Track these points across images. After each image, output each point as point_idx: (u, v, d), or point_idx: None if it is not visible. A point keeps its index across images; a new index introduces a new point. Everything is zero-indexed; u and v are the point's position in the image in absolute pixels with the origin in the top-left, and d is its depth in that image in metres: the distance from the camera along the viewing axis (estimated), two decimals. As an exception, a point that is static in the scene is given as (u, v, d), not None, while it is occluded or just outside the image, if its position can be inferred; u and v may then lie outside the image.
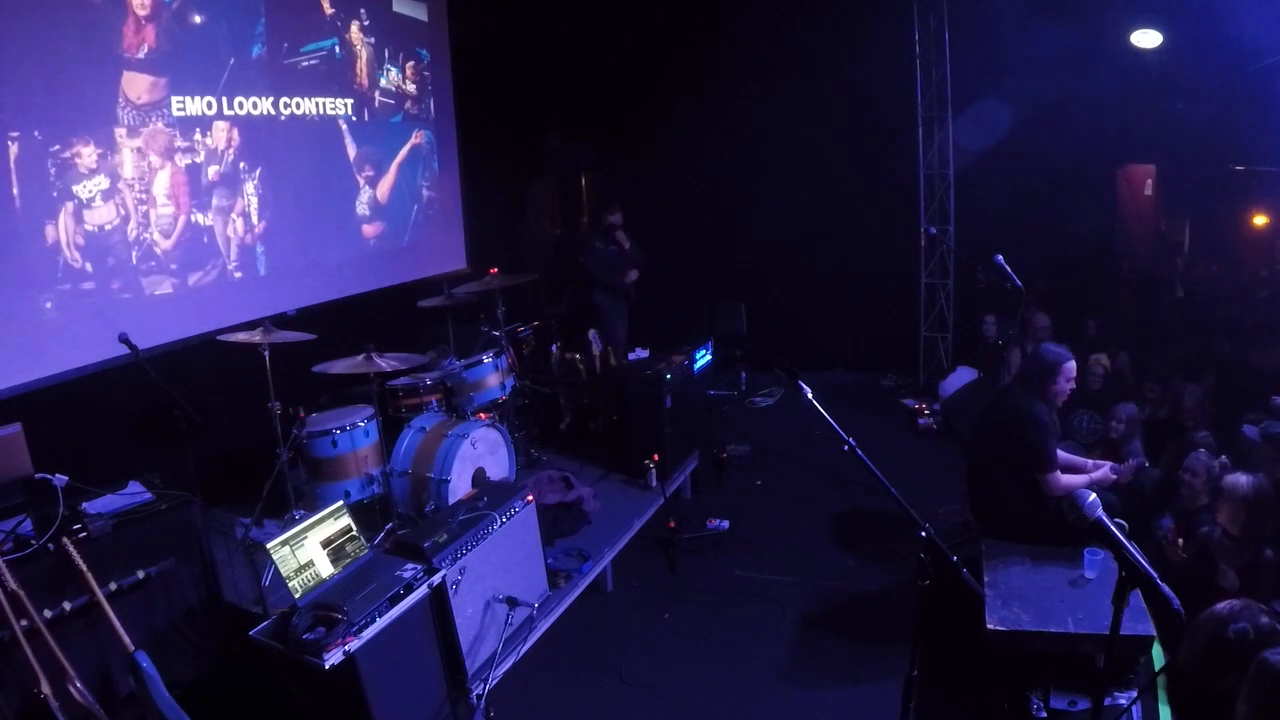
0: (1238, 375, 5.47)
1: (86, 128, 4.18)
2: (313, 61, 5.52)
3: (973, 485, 4.19)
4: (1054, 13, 6.59)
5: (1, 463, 3.17)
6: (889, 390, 7.95)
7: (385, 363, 4.31)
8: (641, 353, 6.31)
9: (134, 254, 4.49)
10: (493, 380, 5.17)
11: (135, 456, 4.22)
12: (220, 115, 4.89)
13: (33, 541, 3.05)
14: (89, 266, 4.28)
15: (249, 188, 5.15)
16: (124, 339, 3.95)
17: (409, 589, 3.18)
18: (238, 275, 5.14)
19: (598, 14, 7.77)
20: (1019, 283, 4.82)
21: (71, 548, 2.99)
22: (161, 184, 4.59)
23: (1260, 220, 6.82)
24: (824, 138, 7.80)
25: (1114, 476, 4.09)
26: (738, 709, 3.65)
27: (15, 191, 3.91)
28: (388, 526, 4.45)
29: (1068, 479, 3.85)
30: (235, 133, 4.99)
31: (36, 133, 3.97)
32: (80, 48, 4.12)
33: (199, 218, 4.85)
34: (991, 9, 6.75)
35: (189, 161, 4.73)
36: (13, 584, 2.81)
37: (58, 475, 3.20)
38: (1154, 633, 3.08)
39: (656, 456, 5.31)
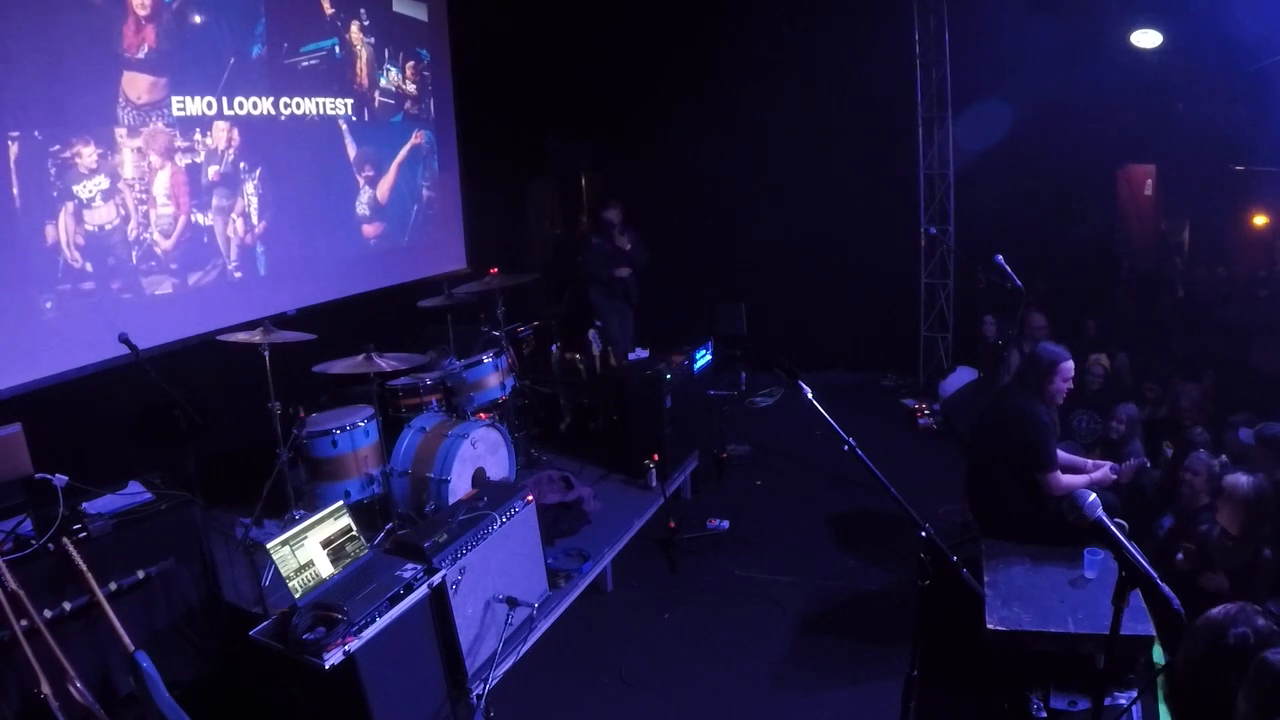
0: (1237, 375, 5.47)
1: (86, 128, 4.18)
2: (313, 61, 5.52)
3: (973, 485, 4.19)
4: (1054, 13, 6.59)
5: (1, 463, 3.17)
6: (889, 390, 7.95)
7: (385, 363, 4.31)
8: (641, 353, 6.31)
9: (134, 254, 4.49)
10: (493, 380, 5.17)
11: (135, 456, 4.22)
12: (220, 115, 4.89)
13: (33, 541, 3.05)
14: (89, 266, 4.28)
15: (249, 188, 5.15)
16: (124, 339, 3.95)
17: (409, 589, 3.18)
18: (238, 275, 5.14)
19: (598, 14, 7.77)
20: (1019, 283, 4.82)
21: (71, 548, 2.99)
22: (161, 184, 4.59)
23: (1260, 220, 6.82)
24: (824, 138, 7.80)
25: (1114, 477, 4.09)
26: (738, 709, 3.65)
27: (15, 191, 3.91)
28: (388, 526, 4.45)
29: (1068, 479, 3.85)
30: (235, 133, 4.99)
31: (36, 133, 3.97)
32: (80, 48, 4.12)
33: (199, 218, 4.85)
34: (991, 9, 6.75)
35: (189, 161, 4.73)
36: (13, 584, 2.81)
37: (58, 475, 3.20)
38: (1154, 633, 3.07)
39: (656, 456, 5.31)
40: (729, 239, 8.51)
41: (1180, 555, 3.68)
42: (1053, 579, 3.45)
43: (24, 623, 2.81)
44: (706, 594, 4.58)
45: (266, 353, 4.23)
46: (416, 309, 5.53)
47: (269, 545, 3.09)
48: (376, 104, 6.14)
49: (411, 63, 6.47)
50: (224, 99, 4.90)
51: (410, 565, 3.29)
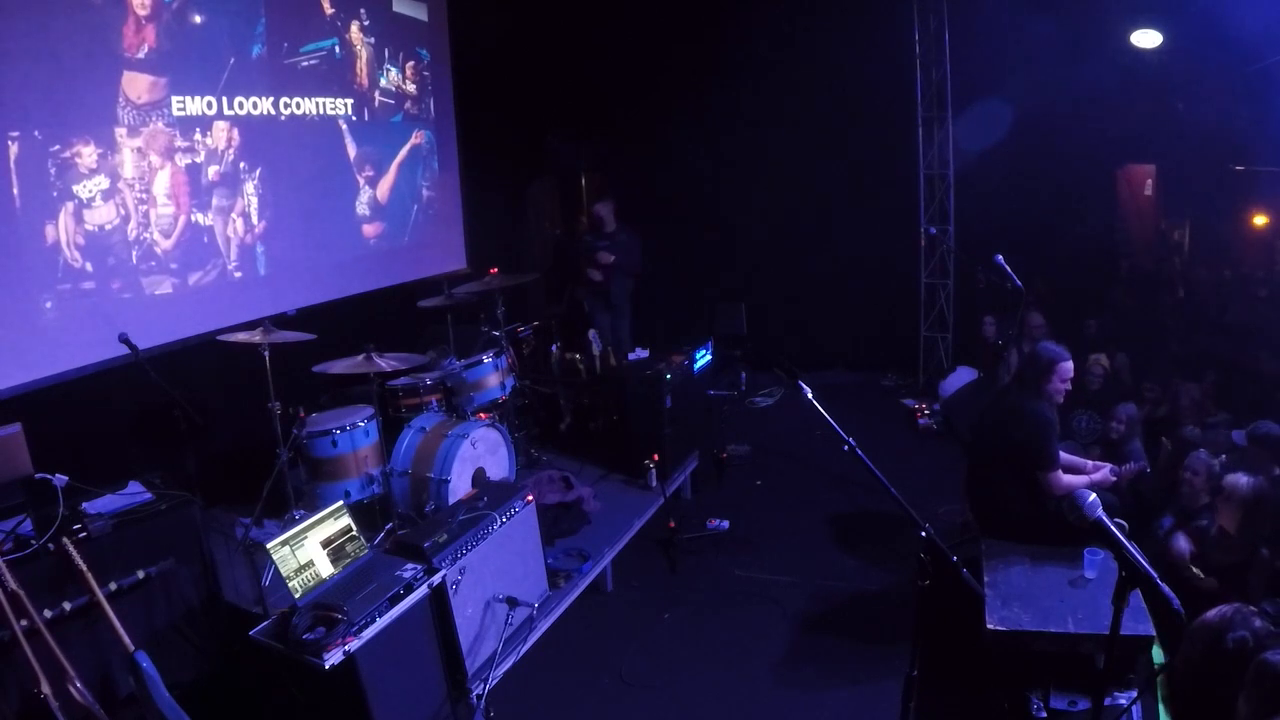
0: (1237, 375, 5.48)
1: (87, 127, 4.18)
2: (313, 61, 5.52)
3: (973, 485, 4.19)
4: (1054, 13, 6.59)
5: (1, 463, 3.17)
6: (889, 390, 7.95)
7: (385, 363, 4.31)
8: (641, 353, 6.31)
9: (134, 254, 4.49)
10: (493, 380, 5.17)
11: (135, 456, 4.22)
12: (220, 115, 4.89)
13: (33, 541, 3.05)
14: (89, 266, 4.28)
15: (249, 188, 5.15)
16: (124, 339, 3.95)
17: (409, 589, 3.18)
18: (238, 275, 5.14)
19: (598, 13, 7.76)
20: (1019, 283, 4.82)
21: (71, 548, 2.99)
22: (162, 184, 4.59)
23: (1260, 220, 6.82)
24: (824, 137, 7.80)
25: (1114, 479, 4.09)
26: (738, 709, 3.65)
27: (15, 191, 3.91)
28: (388, 526, 4.45)
29: (1068, 479, 3.85)
30: (235, 133, 4.99)
31: (36, 133, 3.97)
32: (80, 48, 4.12)
33: (199, 218, 4.85)
34: (991, 9, 6.76)
35: (189, 161, 4.73)
36: (13, 584, 2.81)
37: (58, 475, 3.20)
38: (1154, 633, 3.07)
39: (656, 456, 5.31)
40: (729, 239, 8.51)
41: (1182, 542, 3.67)
42: (1053, 579, 3.45)
43: (24, 623, 2.81)
44: (706, 594, 4.58)
45: (266, 353, 4.23)
46: (416, 309, 5.53)
47: (269, 545, 3.09)
48: (376, 104, 6.14)
49: (411, 63, 6.47)
50: (224, 99, 4.89)
51: (410, 565, 3.29)
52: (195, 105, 4.73)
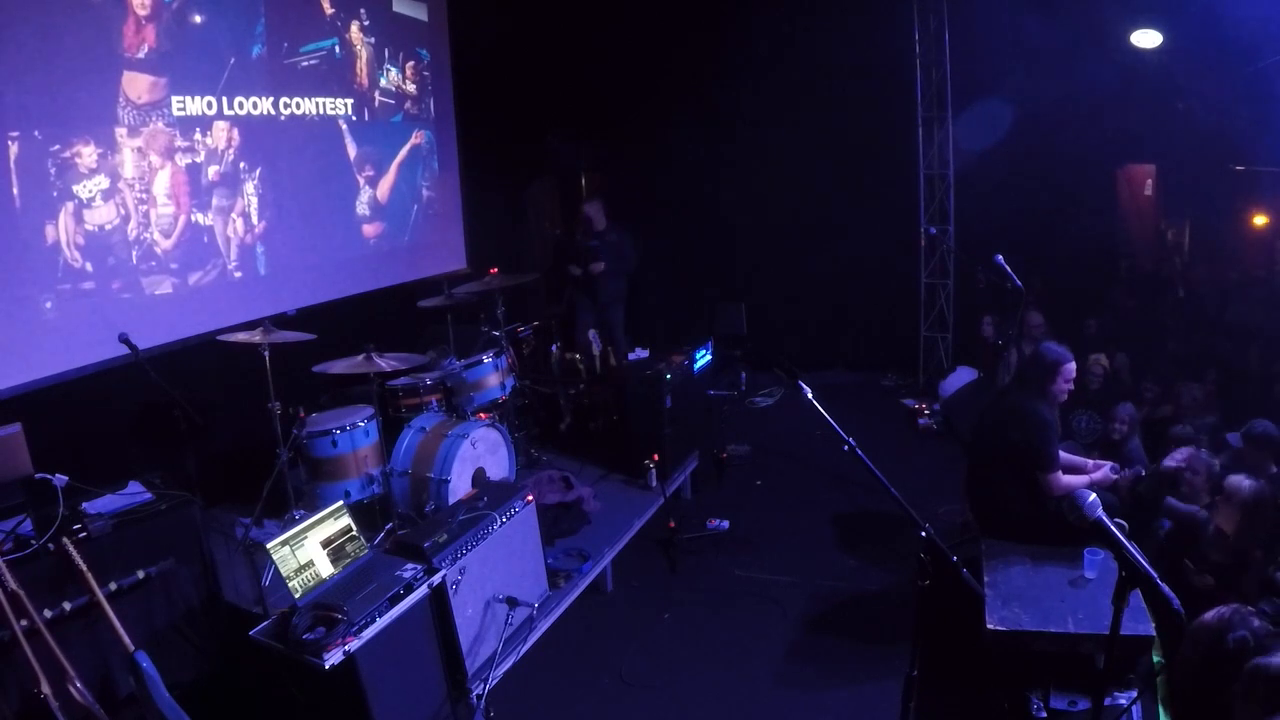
0: (1238, 375, 5.48)
1: (87, 127, 4.18)
2: (313, 61, 5.52)
3: (973, 485, 4.19)
4: (1054, 13, 6.59)
5: (1, 463, 3.17)
6: (889, 390, 7.95)
7: (385, 363, 4.31)
8: (641, 353, 6.31)
9: (134, 254, 4.49)
10: (493, 380, 5.17)
11: (135, 456, 4.22)
12: (220, 115, 4.89)
13: (33, 541, 3.05)
14: (89, 266, 4.28)
15: (249, 188, 5.15)
16: (124, 339, 3.95)
17: (409, 589, 3.18)
18: (238, 275, 5.14)
19: (598, 14, 7.76)
20: (1019, 283, 4.82)
21: (71, 548, 2.99)
22: (162, 184, 4.59)
23: (1260, 220, 6.82)
24: (824, 137, 7.80)
25: (1114, 476, 4.08)
26: (738, 709, 3.65)
27: (15, 191, 3.91)
28: (388, 526, 4.45)
29: (1068, 479, 3.85)
30: (235, 133, 4.99)
31: (36, 133, 3.97)
32: (80, 48, 4.12)
33: (199, 217, 4.85)
34: (991, 9, 6.75)
35: (189, 161, 4.73)
36: (13, 584, 2.81)
37: (58, 475, 3.20)
38: (1154, 633, 3.07)
39: (656, 456, 5.31)
40: (729, 239, 8.51)
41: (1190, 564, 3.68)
42: (1053, 579, 3.45)
43: (24, 623, 2.81)
44: (706, 594, 4.58)
45: (266, 353, 4.23)
46: (416, 309, 5.53)
47: (269, 545, 3.09)
48: (376, 104, 6.14)
49: (411, 63, 6.47)
50: (224, 99, 4.89)
51: (410, 565, 3.29)
52: (195, 105, 4.73)
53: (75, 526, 3.17)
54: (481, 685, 3.48)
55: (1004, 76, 6.88)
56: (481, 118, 7.19)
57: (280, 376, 4.33)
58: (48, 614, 2.93)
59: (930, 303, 7.95)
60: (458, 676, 3.48)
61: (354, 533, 3.36)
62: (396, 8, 6.30)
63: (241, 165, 5.07)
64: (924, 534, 2.50)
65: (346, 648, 2.85)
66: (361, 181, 6.07)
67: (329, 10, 5.63)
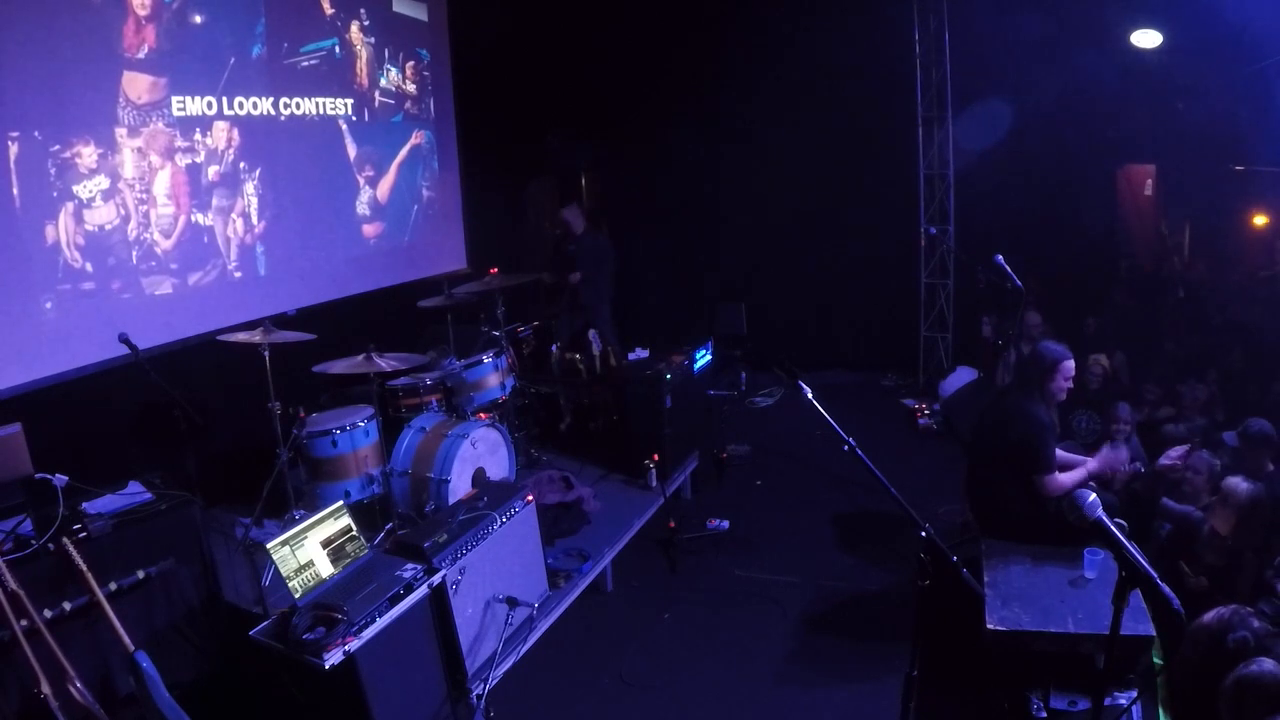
0: (1239, 376, 5.48)
1: (87, 128, 4.18)
2: (313, 61, 5.52)
3: (973, 485, 4.19)
4: (1054, 13, 6.59)
5: (1, 463, 3.17)
6: (889, 390, 7.94)
7: (385, 363, 4.31)
8: (641, 353, 6.31)
9: (134, 254, 4.49)
10: (493, 380, 5.17)
11: (135, 456, 4.22)
12: (220, 115, 4.89)
13: (33, 541, 3.05)
14: (89, 266, 4.28)
15: (249, 188, 5.15)
16: (124, 339, 3.95)
17: (409, 589, 3.18)
18: (238, 275, 5.14)
19: (598, 14, 7.77)
20: (1019, 283, 4.82)
21: (71, 548, 2.99)
22: (162, 184, 4.59)
23: (1260, 220, 6.82)
24: (824, 137, 7.80)
25: (1124, 462, 4.06)
26: (738, 709, 3.65)
27: (15, 191, 3.92)
28: (388, 526, 4.45)
29: (1064, 478, 3.84)
30: (235, 133, 4.99)
31: (36, 133, 3.97)
32: (80, 48, 4.12)
33: (199, 218, 4.85)
34: (991, 9, 6.75)
35: (189, 161, 4.74)
36: (13, 584, 2.81)
37: (58, 475, 3.20)
38: (1154, 633, 3.07)
39: (656, 456, 5.31)
40: (730, 239, 8.51)
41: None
42: (1053, 579, 3.45)
43: (24, 623, 2.81)
44: (706, 594, 4.58)
45: (266, 353, 4.23)
46: (416, 309, 5.53)
47: (269, 545, 3.09)
48: (376, 104, 6.14)
49: (411, 63, 6.47)
50: (224, 99, 4.90)
51: (410, 565, 3.29)
52: (195, 105, 4.73)
53: (75, 526, 3.17)
54: (481, 685, 3.48)
55: (1004, 76, 6.88)
56: (481, 118, 7.19)
57: (280, 376, 4.33)
58: (48, 614, 2.93)
59: (930, 303, 7.95)
60: (458, 676, 3.48)
61: (354, 533, 3.36)
62: (396, 8, 6.30)
63: (241, 165, 5.07)
64: (924, 534, 2.50)
65: (346, 648, 2.85)
66: (361, 181, 6.07)
67: (329, 10, 5.63)
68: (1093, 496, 2.21)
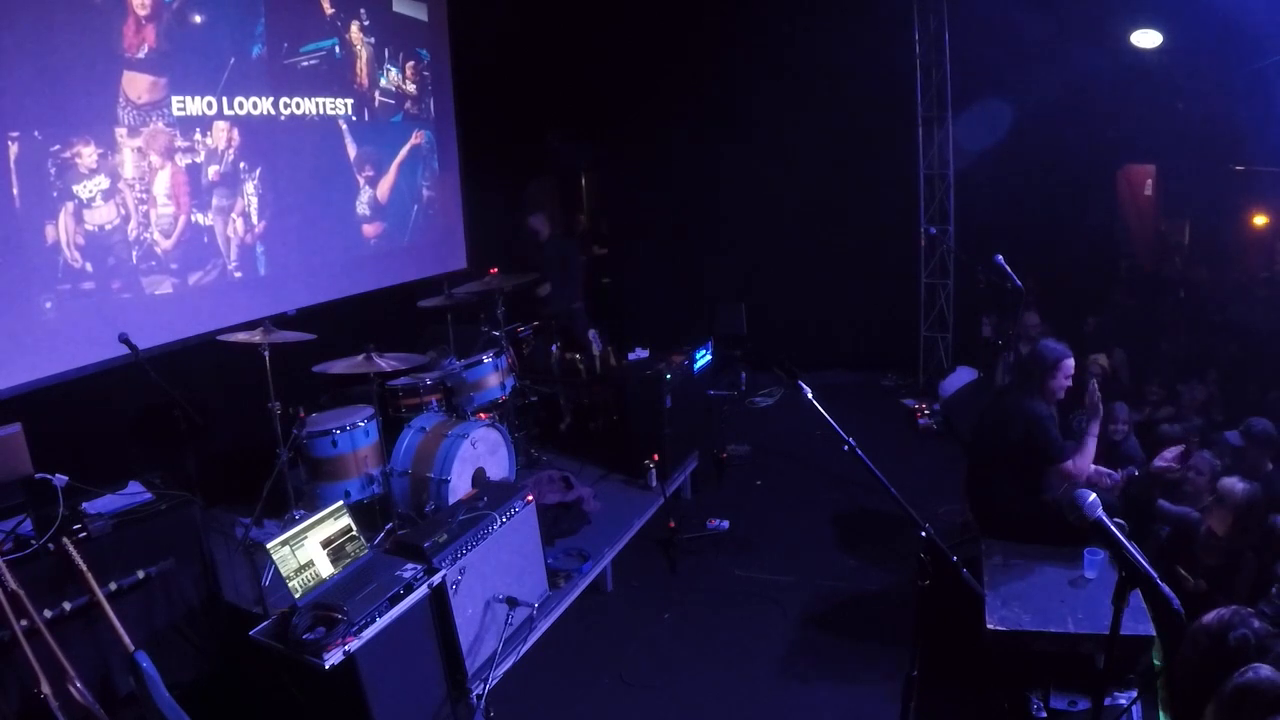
0: (1239, 375, 5.48)
1: (87, 128, 4.18)
2: (313, 61, 5.52)
3: (973, 485, 4.19)
4: (1054, 13, 6.59)
5: (1, 463, 3.17)
6: (889, 390, 7.94)
7: (385, 363, 4.31)
8: (641, 353, 6.31)
9: (134, 254, 4.49)
10: (493, 380, 5.17)
11: (135, 456, 4.22)
12: (220, 115, 4.89)
13: (33, 541, 3.05)
14: (89, 266, 4.28)
15: (249, 188, 5.15)
16: (124, 339, 3.95)
17: (409, 589, 3.18)
18: (238, 275, 5.14)
19: (598, 14, 7.77)
20: (1019, 283, 4.82)
21: (71, 548, 2.99)
22: (162, 184, 4.59)
23: (1260, 220, 6.82)
24: (824, 137, 7.80)
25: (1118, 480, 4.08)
26: (738, 709, 3.65)
27: (15, 191, 3.92)
28: (388, 526, 4.45)
29: (1081, 460, 3.82)
30: (235, 133, 4.99)
31: (36, 133, 3.97)
32: (80, 48, 4.12)
33: (199, 217, 4.85)
34: (991, 9, 6.75)
35: (189, 161, 4.74)
36: (13, 584, 2.81)
37: (58, 475, 3.20)
38: (1154, 633, 3.07)
39: (656, 456, 5.31)
40: (729, 239, 8.51)
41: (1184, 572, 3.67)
42: (1053, 579, 3.45)
43: (24, 623, 2.81)
44: (706, 594, 4.58)
45: (266, 353, 4.23)
46: (416, 309, 5.53)
47: (269, 545, 3.09)
48: (376, 104, 6.14)
49: (411, 63, 6.47)
50: (224, 99, 4.90)
51: (410, 565, 3.29)
52: (195, 105, 4.73)
53: (75, 526, 3.17)
54: (481, 685, 3.47)
55: (1004, 77, 6.88)
56: (481, 117, 7.19)
57: (280, 376, 4.33)
58: (48, 614, 2.93)
59: (930, 303, 7.95)
60: (458, 676, 3.48)
61: (354, 533, 3.36)
62: (396, 8, 6.30)
63: (241, 165, 5.07)
64: (924, 534, 2.50)
65: (346, 648, 2.85)
66: (361, 181, 6.07)
67: (329, 10, 5.63)
68: (1093, 496, 2.21)
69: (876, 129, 7.67)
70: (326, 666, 2.79)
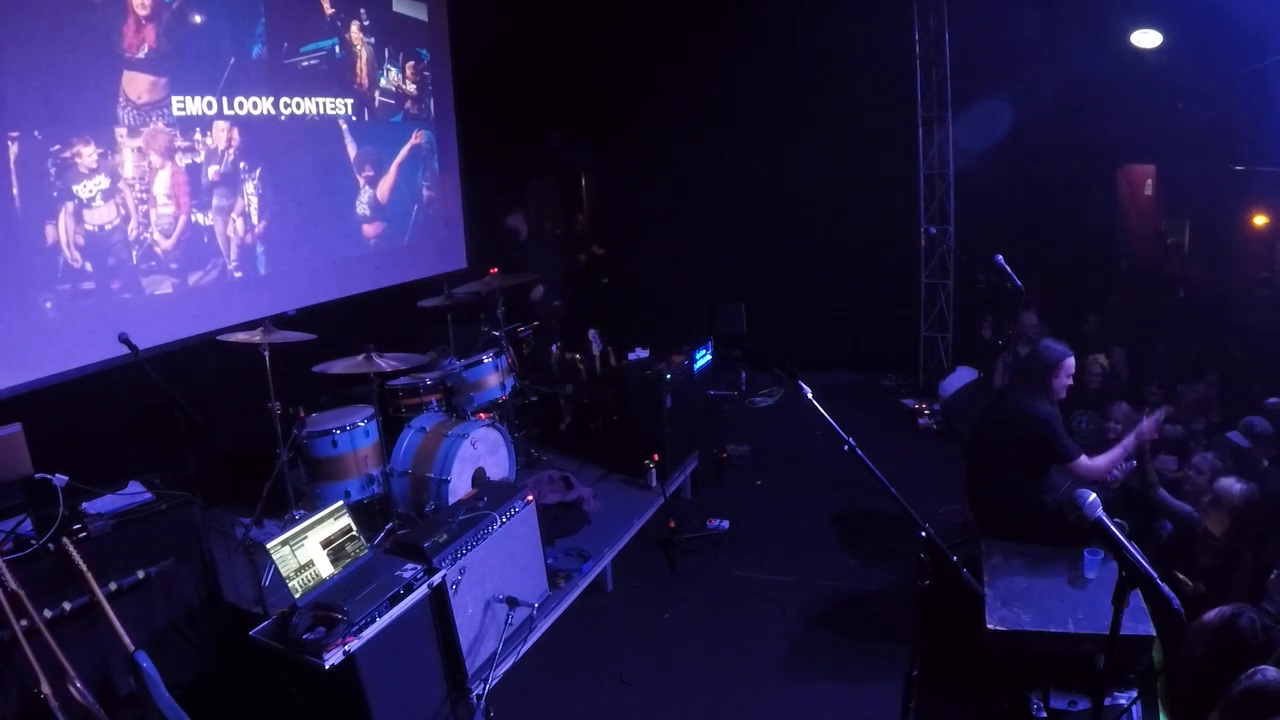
0: (1239, 375, 5.47)
1: (87, 127, 4.18)
2: (313, 61, 5.52)
3: (973, 485, 4.19)
4: (1054, 13, 6.59)
5: (1, 463, 3.17)
6: (889, 390, 7.95)
7: (385, 363, 4.31)
8: (641, 353, 6.31)
9: (134, 254, 4.49)
10: (493, 380, 5.17)
11: (135, 456, 4.22)
12: (220, 115, 4.89)
13: (33, 541, 3.05)
14: (89, 266, 4.28)
15: (249, 187, 5.15)
16: (124, 339, 3.95)
17: (409, 589, 3.18)
18: (238, 275, 5.14)
19: (598, 14, 7.77)
20: (1019, 283, 4.82)
21: (71, 548, 3.00)
22: (162, 184, 4.59)
23: (1260, 220, 6.82)
24: (824, 137, 7.80)
25: (1144, 433, 4.03)
26: (738, 709, 3.65)
27: (15, 191, 3.91)
28: (388, 526, 4.45)
29: (1099, 459, 3.81)
30: (235, 132, 4.99)
31: (36, 133, 3.97)
32: (80, 48, 4.12)
33: (199, 217, 4.85)
34: (991, 9, 6.75)
35: (189, 161, 4.73)
36: (13, 584, 2.81)
37: (58, 475, 3.20)
38: (1154, 633, 3.07)
39: (656, 456, 5.31)
40: (729, 239, 8.50)
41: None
42: (1053, 579, 3.45)
43: (24, 623, 2.81)
44: (706, 594, 4.58)
45: (266, 353, 4.23)
46: (416, 309, 5.53)
47: (269, 545, 3.09)
48: (376, 104, 6.14)
49: (411, 63, 6.47)
50: (224, 99, 4.90)
51: (410, 565, 3.29)
52: (195, 105, 4.73)
53: (75, 526, 3.17)
54: (481, 685, 3.48)
55: (1004, 77, 6.88)
56: (481, 118, 7.19)
57: (280, 376, 4.33)
58: (48, 614, 2.93)
59: (930, 303, 7.95)
60: (458, 676, 3.48)
61: (354, 533, 3.36)
62: (396, 8, 6.30)
63: (241, 165, 5.07)
64: (924, 534, 2.50)
65: (346, 648, 2.85)
66: (361, 181, 6.07)
67: (329, 10, 5.63)
68: (1093, 496, 2.21)
69: (876, 129, 7.67)
70: (326, 666, 2.79)
